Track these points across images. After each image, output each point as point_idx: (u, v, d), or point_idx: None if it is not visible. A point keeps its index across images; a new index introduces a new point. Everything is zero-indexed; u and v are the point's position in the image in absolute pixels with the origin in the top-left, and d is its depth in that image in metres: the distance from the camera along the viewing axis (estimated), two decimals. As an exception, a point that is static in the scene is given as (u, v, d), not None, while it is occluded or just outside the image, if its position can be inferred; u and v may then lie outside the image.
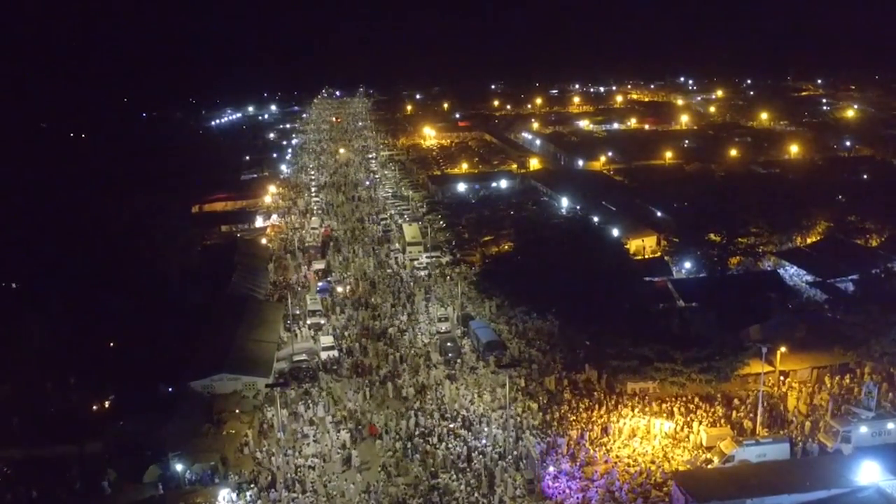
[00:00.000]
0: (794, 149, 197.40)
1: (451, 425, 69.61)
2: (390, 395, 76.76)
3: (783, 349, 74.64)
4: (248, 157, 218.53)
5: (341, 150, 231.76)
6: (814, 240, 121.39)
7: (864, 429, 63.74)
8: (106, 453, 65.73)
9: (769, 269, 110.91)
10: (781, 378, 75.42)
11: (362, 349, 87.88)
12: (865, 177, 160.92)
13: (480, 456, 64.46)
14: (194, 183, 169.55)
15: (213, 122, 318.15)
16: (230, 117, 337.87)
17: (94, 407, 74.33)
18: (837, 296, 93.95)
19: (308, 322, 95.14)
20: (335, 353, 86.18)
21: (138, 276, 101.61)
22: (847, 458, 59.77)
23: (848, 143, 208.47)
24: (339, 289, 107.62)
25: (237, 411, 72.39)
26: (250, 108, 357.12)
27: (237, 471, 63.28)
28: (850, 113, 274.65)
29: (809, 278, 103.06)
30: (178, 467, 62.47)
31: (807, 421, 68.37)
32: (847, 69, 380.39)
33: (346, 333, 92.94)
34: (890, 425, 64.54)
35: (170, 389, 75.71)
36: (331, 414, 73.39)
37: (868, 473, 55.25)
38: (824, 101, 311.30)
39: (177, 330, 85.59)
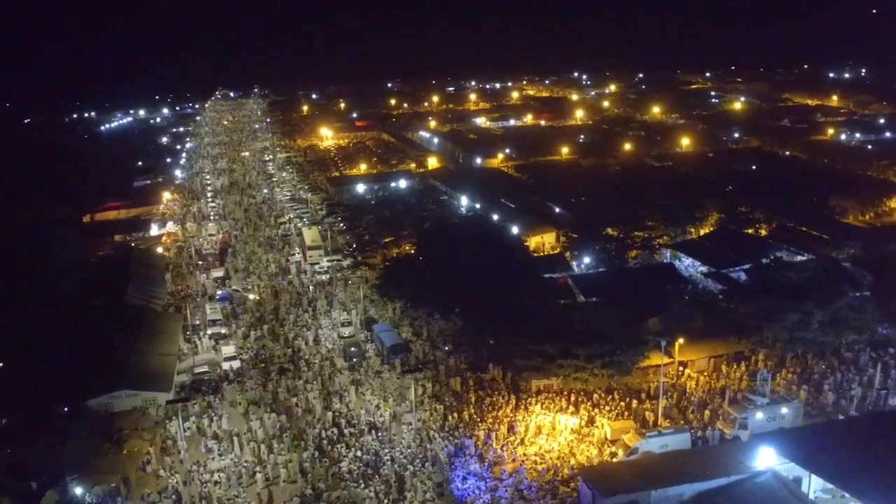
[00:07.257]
0: (685, 141, 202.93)
1: (358, 432, 68.98)
2: (294, 403, 75.46)
3: (681, 340, 76.41)
4: (141, 163, 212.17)
5: (241, 154, 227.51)
6: (707, 231, 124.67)
7: (759, 415, 65.78)
8: (-2, 481, 62.84)
9: (666, 261, 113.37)
10: (681, 369, 77.29)
11: (264, 359, 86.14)
12: (754, 167, 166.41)
13: (389, 462, 64.05)
14: (85, 191, 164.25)
15: (103, 127, 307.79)
16: (121, 121, 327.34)
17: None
18: (731, 286, 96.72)
19: (208, 332, 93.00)
20: (237, 363, 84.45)
21: (28, 291, 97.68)
22: (744, 445, 61.39)
23: (736, 135, 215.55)
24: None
25: (138, 429, 70.18)
26: (142, 112, 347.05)
27: (140, 491, 61.40)
28: (737, 105, 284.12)
29: (704, 269, 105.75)
30: (78, 491, 59.92)
31: (706, 409, 70.25)
32: (733, 62, 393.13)
33: (248, 342, 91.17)
34: (783, 410, 66.73)
35: (65, 409, 72.69)
36: (235, 426, 71.87)
37: (764, 458, 56.90)
38: (713, 93, 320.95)
39: (71, 346, 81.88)
